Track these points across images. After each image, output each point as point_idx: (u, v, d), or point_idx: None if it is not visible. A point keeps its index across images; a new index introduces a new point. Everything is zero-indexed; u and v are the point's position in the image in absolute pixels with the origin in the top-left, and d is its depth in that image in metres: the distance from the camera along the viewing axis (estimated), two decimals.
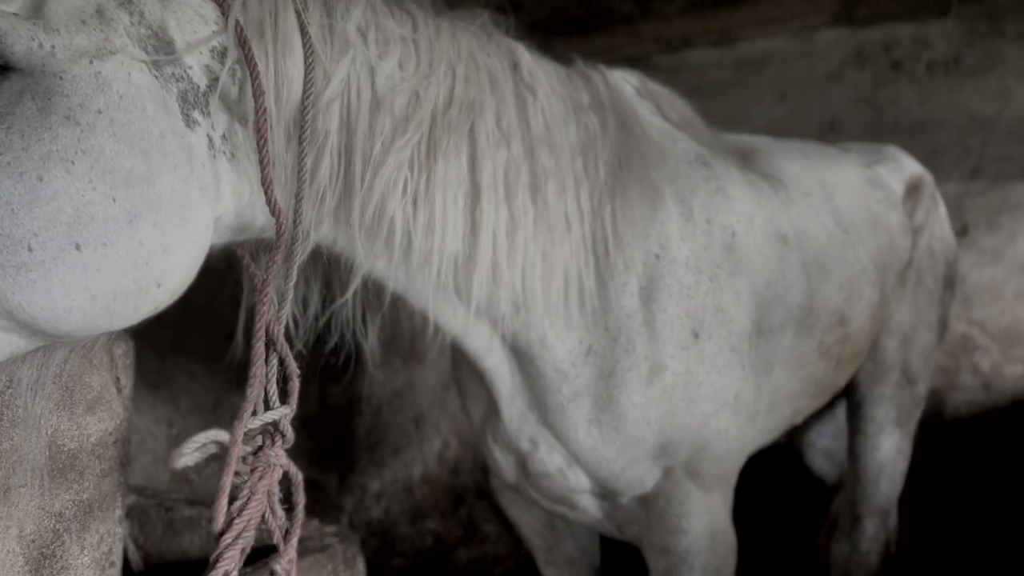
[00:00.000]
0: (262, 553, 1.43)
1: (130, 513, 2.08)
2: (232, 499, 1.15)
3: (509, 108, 1.50)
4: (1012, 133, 4.65)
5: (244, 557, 1.15)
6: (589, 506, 1.87)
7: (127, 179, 1.05)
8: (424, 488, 4.54)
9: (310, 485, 3.79)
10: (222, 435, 1.16)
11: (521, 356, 1.70)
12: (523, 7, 5.11)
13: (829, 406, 3.26)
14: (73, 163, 1.00)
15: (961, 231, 4.76)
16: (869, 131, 4.89)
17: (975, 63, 4.74)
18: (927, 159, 4.75)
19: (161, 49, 1.10)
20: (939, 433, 4.81)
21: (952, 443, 4.74)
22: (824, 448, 3.28)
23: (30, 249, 0.98)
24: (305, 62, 1.19)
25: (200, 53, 1.13)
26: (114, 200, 1.03)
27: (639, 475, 1.76)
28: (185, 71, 1.12)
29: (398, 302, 1.54)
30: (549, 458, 1.78)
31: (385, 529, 4.17)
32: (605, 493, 1.83)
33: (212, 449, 1.17)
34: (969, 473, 4.58)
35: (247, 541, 1.16)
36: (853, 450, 2.83)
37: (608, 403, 1.68)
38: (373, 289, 1.52)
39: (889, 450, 2.77)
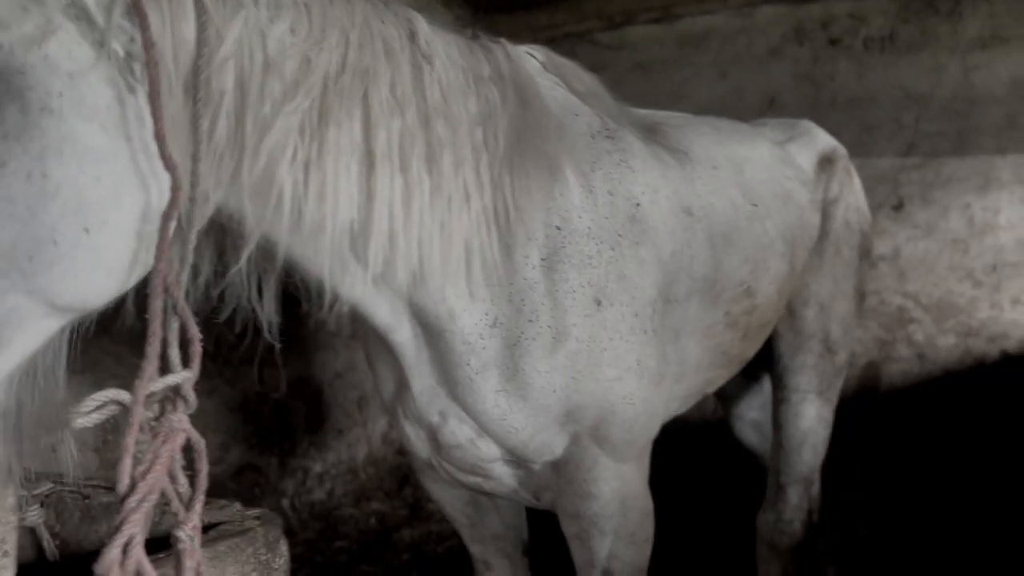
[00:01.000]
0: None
1: (45, 501, 2.04)
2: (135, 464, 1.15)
3: (404, 77, 1.47)
4: (945, 109, 4.74)
5: (149, 521, 1.15)
6: (503, 475, 1.90)
7: (101, 156, 1.09)
8: (369, 469, 4.54)
9: (249, 469, 3.77)
10: (122, 395, 1.16)
11: (430, 330, 1.70)
12: None
13: (756, 379, 3.33)
14: (62, 152, 1.06)
15: (897, 206, 4.86)
16: (808, 107, 4.95)
17: (910, 39, 4.81)
18: (863, 134, 4.86)
19: (82, 18, 1.09)
20: (875, 403, 4.94)
21: (888, 413, 4.86)
22: (752, 420, 3.34)
23: (55, 243, 1.06)
24: (198, 22, 1.18)
25: (113, 16, 1.11)
26: (99, 179, 1.09)
27: (548, 442, 1.78)
28: (110, 38, 1.11)
29: (269, 276, 1.52)
30: (459, 430, 1.81)
31: (328, 511, 4.17)
32: (517, 461, 1.85)
33: (113, 410, 1.17)
34: (905, 441, 4.71)
35: (151, 504, 1.16)
36: (776, 420, 2.88)
37: (515, 373, 1.70)
38: (269, 256, 1.49)
39: (811, 419, 2.82)
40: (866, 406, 4.87)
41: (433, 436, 1.87)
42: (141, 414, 1.14)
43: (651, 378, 1.84)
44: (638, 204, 1.86)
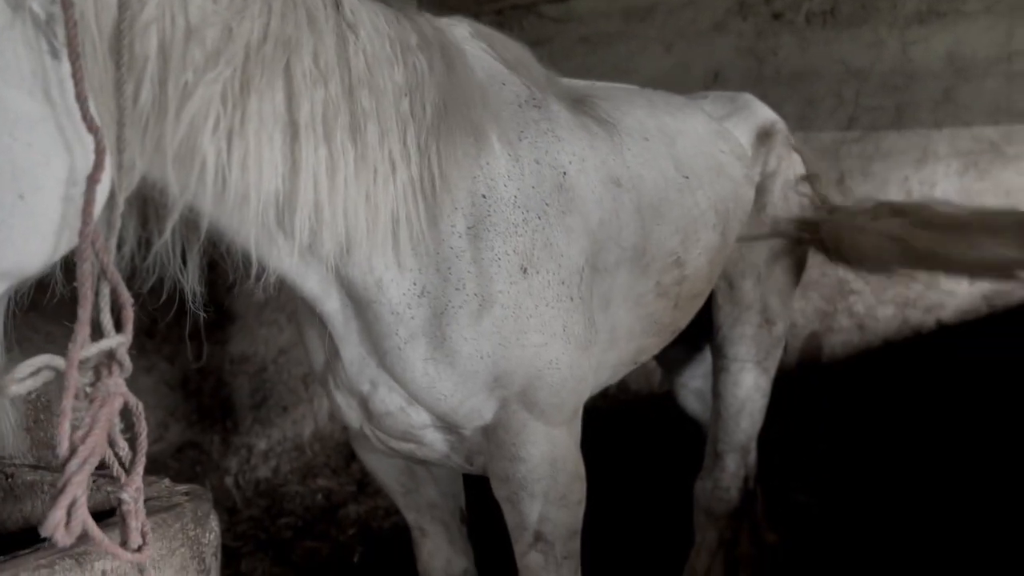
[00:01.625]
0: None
1: None
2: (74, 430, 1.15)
3: (328, 47, 1.45)
4: (884, 83, 4.82)
5: (89, 485, 1.16)
6: (435, 441, 1.91)
7: (30, 122, 1.08)
8: (315, 446, 4.51)
9: (189, 447, 3.72)
10: (56, 360, 1.15)
11: (358, 301, 1.69)
12: None
13: (699, 349, 3.37)
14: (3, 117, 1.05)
15: (838, 179, 4.94)
16: (752, 81, 5.00)
17: (851, 14, 4.87)
18: (806, 108, 4.92)
19: None
20: (817, 373, 5.04)
21: (829, 382, 4.97)
22: (695, 389, 3.38)
23: None
24: None
25: None
26: (30, 145, 1.08)
27: (477, 407, 1.80)
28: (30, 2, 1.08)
29: (195, 246, 1.49)
30: (389, 398, 1.81)
31: (274, 488, 4.14)
32: (448, 427, 1.86)
33: (47, 376, 1.17)
34: (846, 409, 4.82)
35: (92, 467, 1.17)
36: (716, 389, 2.93)
37: (442, 341, 1.70)
38: (194, 227, 1.46)
39: (749, 387, 2.87)
40: (808, 376, 4.97)
41: (364, 405, 1.86)
42: (76, 379, 1.14)
43: (578, 344, 1.85)
44: (565, 173, 1.86)
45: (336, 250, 1.53)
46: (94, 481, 1.85)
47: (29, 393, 1.30)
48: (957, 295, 4.80)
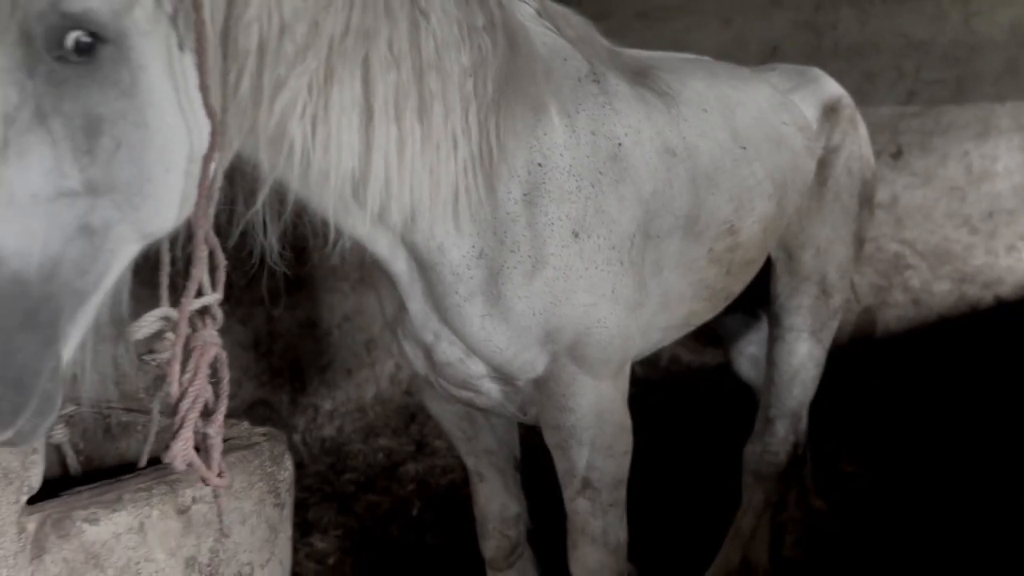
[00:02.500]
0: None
1: (69, 421, 2.17)
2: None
3: (402, 34, 1.58)
4: (945, 56, 4.77)
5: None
6: (491, 390, 2.05)
7: (170, 106, 1.23)
8: (376, 408, 4.71)
9: (261, 404, 3.94)
10: (171, 312, 1.37)
11: (422, 263, 1.84)
12: None
13: (757, 317, 3.44)
14: (152, 103, 1.20)
15: (895, 153, 4.92)
16: (809, 55, 4.98)
17: None
18: (864, 82, 4.90)
19: None
20: (871, 347, 5.05)
21: (883, 356, 4.98)
22: (751, 355, 3.45)
23: (150, 181, 1.21)
24: None
25: None
26: (172, 127, 1.24)
27: (530, 360, 1.93)
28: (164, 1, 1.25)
29: (283, 216, 1.65)
30: (450, 350, 1.97)
31: (338, 447, 4.35)
32: (503, 378, 2.00)
33: (162, 324, 1.39)
34: (899, 384, 4.83)
35: (200, 406, 1.41)
36: (770, 357, 2.99)
37: (498, 299, 1.84)
38: (279, 197, 1.62)
39: (803, 356, 2.92)
40: (862, 350, 4.99)
41: (428, 355, 2.02)
42: (186, 327, 1.37)
43: (626, 305, 1.96)
44: (620, 144, 1.96)
45: (402, 219, 1.68)
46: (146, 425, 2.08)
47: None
48: (1017, 271, 4.76)
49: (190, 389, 1.39)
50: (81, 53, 1.12)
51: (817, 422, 3.65)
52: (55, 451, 2.06)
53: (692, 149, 2.19)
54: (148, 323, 1.37)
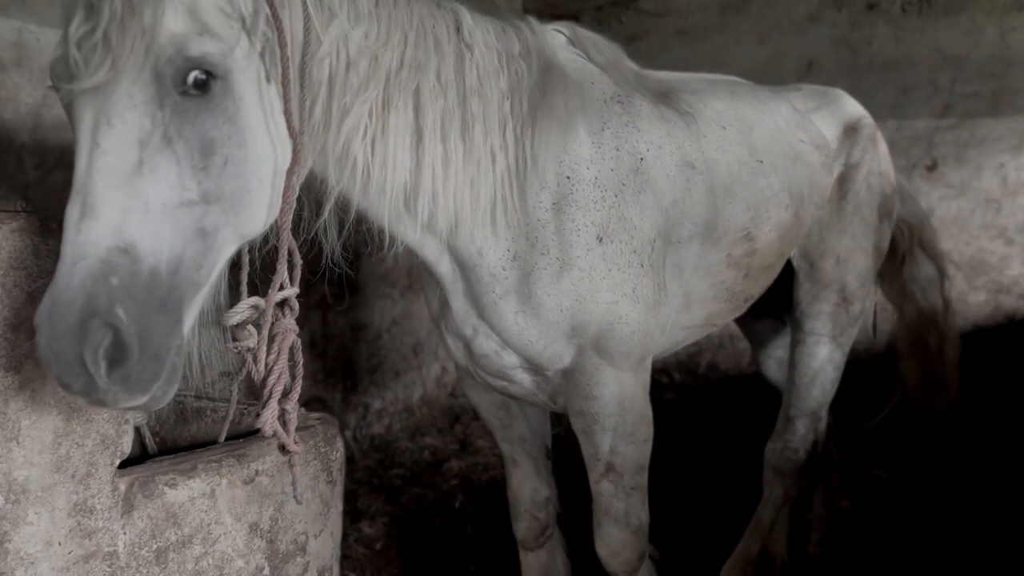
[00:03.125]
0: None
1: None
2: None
3: (448, 65, 1.84)
4: (980, 70, 4.83)
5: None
6: (523, 380, 2.26)
7: (261, 128, 1.47)
8: (423, 408, 4.95)
9: (315, 401, 4.21)
10: (260, 301, 1.62)
11: (463, 266, 2.06)
12: None
13: (784, 323, 3.58)
14: (249, 126, 1.44)
15: (931, 166, 5.00)
16: (845, 70, 5.10)
17: (947, 2, 4.90)
18: (900, 96, 5.00)
19: (243, 25, 1.48)
20: None
21: None
22: (778, 358, 3.58)
23: (248, 192, 1.45)
24: (305, 26, 1.58)
25: (259, 23, 1.49)
26: (263, 145, 1.47)
27: (558, 352, 2.13)
28: (256, 40, 1.50)
29: (347, 224, 1.89)
30: (486, 343, 2.19)
31: (387, 444, 4.60)
32: (534, 368, 2.21)
33: (252, 312, 1.62)
34: None
35: (283, 382, 1.66)
36: (792, 359, 3.13)
37: (529, 297, 2.05)
38: (342, 208, 1.87)
39: (823, 359, 3.06)
40: (896, 359, 5.04)
41: (468, 347, 2.24)
42: (271, 315, 1.62)
43: (646, 304, 2.15)
44: (642, 159, 2.16)
45: (448, 227, 1.92)
46: (215, 411, 2.31)
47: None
48: None
49: (275, 367, 1.63)
50: (198, 88, 1.37)
51: (851, 427, 3.77)
52: (136, 433, 2.31)
53: (710, 163, 2.38)
54: (241, 311, 1.61)
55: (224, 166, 1.41)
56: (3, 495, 1.43)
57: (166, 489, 1.70)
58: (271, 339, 1.64)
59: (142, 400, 1.32)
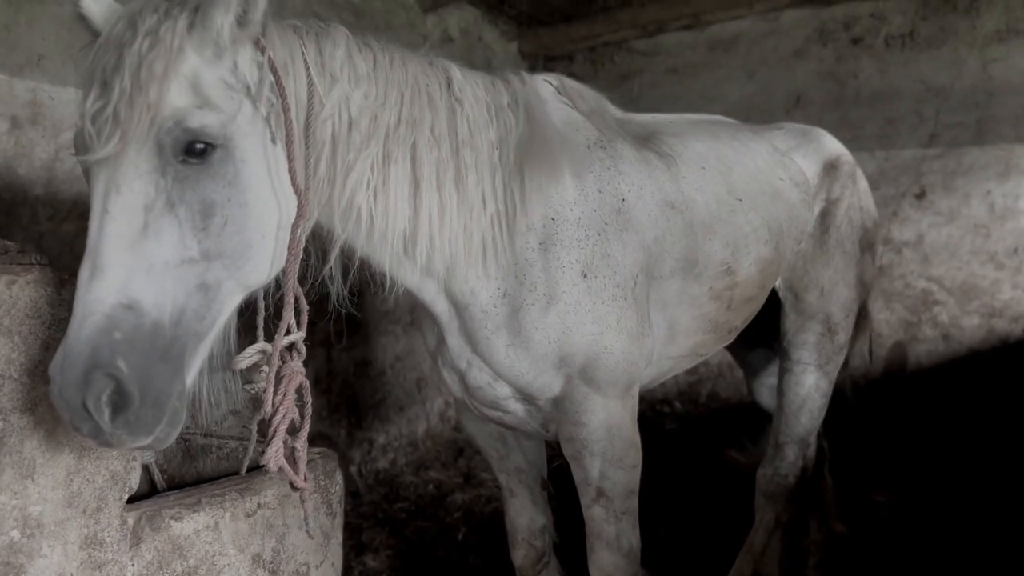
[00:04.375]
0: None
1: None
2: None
3: (442, 120, 1.97)
4: (964, 100, 4.95)
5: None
6: (517, 409, 2.37)
7: (265, 187, 1.58)
8: (427, 442, 5.03)
9: (320, 437, 4.31)
10: (267, 346, 1.71)
11: (457, 304, 2.17)
12: (506, 1, 5.52)
13: (775, 352, 3.67)
14: (251, 187, 1.55)
15: (919, 194, 5.10)
16: (832, 103, 5.23)
17: (929, 36, 5.03)
18: (886, 127, 5.13)
19: (247, 93, 1.61)
20: (902, 381, 5.18)
21: (914, 390, 5.10)
22: (771, 385, 3.66)
23: (250, 247, 1.56)
24: (308, 91, 1.72)
25: (263, 90, 1.62)
26: (266, 203, 1.59)
27: (548, 382, 2.24)
28: (261, 106, 1.63)
29: (368, 272, 2.03)
30: (480, 376, 2.29)
31: (391, 478, 4.67)
32: (526, 398, 2.31)
33: (259, 357, 1.72)
34: (931, 417, 4.94)
35: (288, 422, 1.73)
36: (780, 388, 3.22)
37: (519, 331, 2.16)
38: (347, 255, 1.99)
39: (809, 387, 3.15)
40: (893, 384, 5.12)
41: (462, 379, 2.34)
42: (278, 359, 1.72)
43: (630, 335, 2.25)
44: (623, 199, 2.28)
45: (444, 269, 2.04)
46: (220, 447, 2.39)
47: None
48: None
49: (280, 408, 1.72)
50: (198, 156, 1.49)
51: (849, 453, 3.82)
52: (144, 470, 2.40)
53: (690, 202, 2.49)
54: (249, 355, 1.71)
55: (224, 226, 1.52)
56: (19, 529, 1.54)
57: (172, 522, 1.79)
58: (279, 380, 1.73)
59: (146, 441, 1.44)
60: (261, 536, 1.98)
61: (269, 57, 1.62)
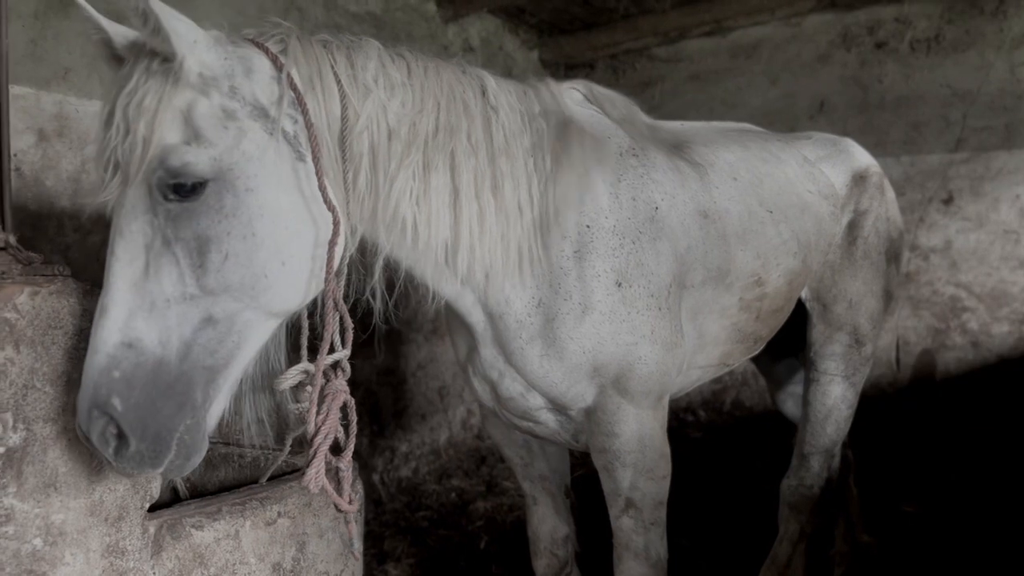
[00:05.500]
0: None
1: None
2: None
3: (478, 127, 1.96)
4: (992, 104, 4.88)
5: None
6: (548, 420, 2.35)
7: (286, 210, 1.55)
8: (449, 451, 5.03)
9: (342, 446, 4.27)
10: (309, 367, 1.68)
11: (492, 314, 2.16)
12: (526, 10, 5.53)
13: (800, 361, 3.64)
14: (262, 216, 1.51)
15: (946, 199, 5.04)
16: (856, 108, 5.17)
17: (955, 39, 4.97)
18: (912, 132, 5.07)
19: (260, 114, 1.59)
20: (930, 389, 5.10)
21: (943, 398, 5.02)
22: (796, 395, 3.62)
23: (266, 276, 1.53)
24: (341, 104, 1.69)
25: (283, 108, 1.60)
26: (286, 227, 1.55)
27: (580, 392, 2.22)
28: (280, 125, 1.60)
29: (410, 283, 2.01)
30: (512, 386, 2.28)
31: (414, 486, 4.68)
32: (558, 408, 2.30)
33: (302, 376, 1.70)
34: (960, 425, 4.86)
35: (330, 442, 1.71)
36: (806, 397, 3.18)
37: (554, 341, 2.14)
38: (392, 267, 1.97)
39: (836, 398, 3.11)
40: (922, 392, 5.04)
41: (494, 390, 2.33)
42: (321, 378, 1.68)
43: (664, 344, 2.24)
44: (657, 208, 2.27)
45: (483, 279, 2.02)
46: (241, 456, 2.40)
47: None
48: None
49: (322, 427, 1.69)
50: (187, 193, 1.47)
51: (879, 464, 3.76)
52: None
53: (722, 212, 2.47)
54: (292, 376, 1.69)
55: (225, 260, 1.49)
56: (42, 537, 1.55)
57: (193, 531, 1.79)
58: (322, 399, 1.70)
59: (156, 471, 1.48)
60: (281, 545, 1.99)
61: (288, 74, 1.60)
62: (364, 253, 1.88)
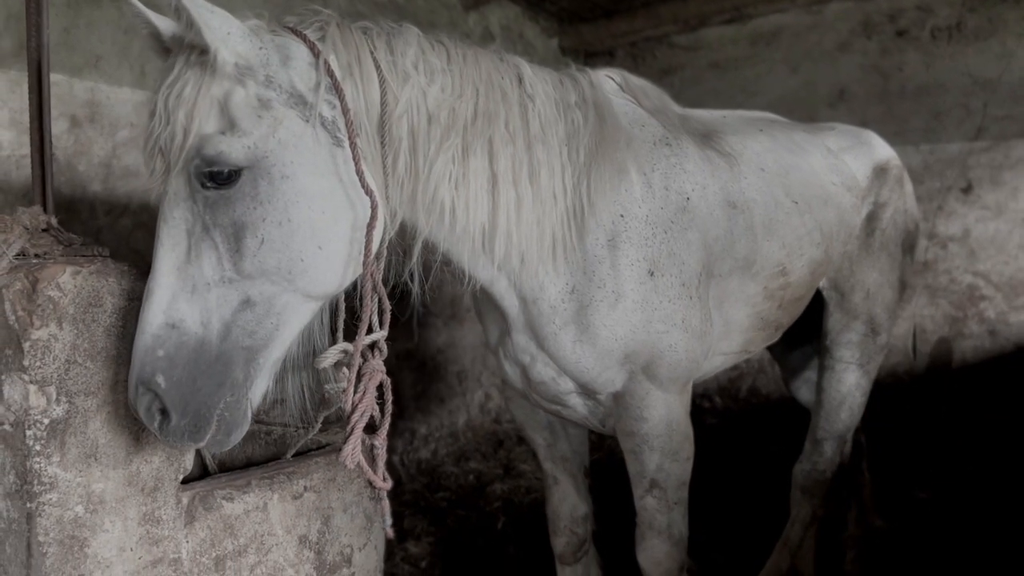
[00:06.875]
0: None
1: None
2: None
3: (515, 115, 1.98)
4: (1013, 93, 4.85)
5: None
6: (576, 404, 2.41)
7: (323, 195, 1.57)
8: (468, 434, 5.11)
9: (365, 426, 4.35)
10: (348, 346, 1.71)
11: (525, 300, 2.21)
12: None
13: (815, 348, 3.67)
14: (297, 202, 1.54)
15: (966, 188, 5.03)
16: (877, 97, 5.16)
17: (977, 27, 4.95)
18: (932, 121, 5.06)
19: (297, 102, 1.62)
20: (947, 377, 5.11)
21: (960, 386, 5.03)
22: (810, 382, 3.65)
23: (302, 260, 1.56)
24: (380, 89, 1.72)
25: (320, 94, 1.63)
26: (323, 212, 1.58)
27: (611, 377, 2.27)
28: (317, 111, 1.63)
29: (446, 267, 2.04)
30: (544, 370, 2.32)
31: (433, 468, 4.76)
32: (587, 393, 2.35)
33: (341, 356, 1.73)
34: (977, 414, 4.87)
35: (366, 420, 1.75)
36: (820, 385, 3.23)
37: (587, 327, 2.18)
38: (428, 250, 2.00)
39: (850, 385, 3.16)
40: (938, 380, 5.05)
41: (525, 374, 2.38)
42: (359, 358, 1.73)
43: (693, 333, 2.28)
44: (688, 198, 2.31)
45: (518, 264, 2.05)
46: (268, 433, 2.46)
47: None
48: None
49: (359, 405, 1.73)
50: (223, 181, 1.52)
51: (893, 450, 3.79)
52: (197, 453, 2.50)
53: (750, 203, 2.51)
54: (331, 355, 1.72)
55: (261, 245, 1.53)
56: (83, 505, 1.63)
57: (223, 503, 1.87)
58: (359, 379, 1.74)
59: (200, 444, 1.55)
60: (307, 518, 2.06)
61: (325, 60, 1.64)
62: (403, 236, 1.91)
